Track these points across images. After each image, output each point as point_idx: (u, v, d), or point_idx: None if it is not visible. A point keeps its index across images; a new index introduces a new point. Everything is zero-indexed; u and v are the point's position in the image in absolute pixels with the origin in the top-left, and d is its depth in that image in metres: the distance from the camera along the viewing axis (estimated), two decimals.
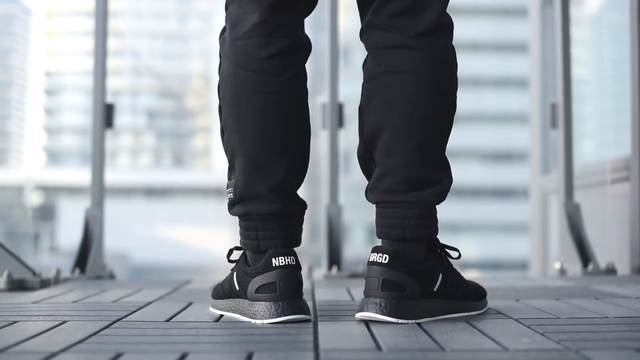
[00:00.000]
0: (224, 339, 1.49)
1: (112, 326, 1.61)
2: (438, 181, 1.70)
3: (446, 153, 1.75)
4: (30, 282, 2.60)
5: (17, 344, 1.39)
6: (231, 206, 1.74)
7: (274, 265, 1.66)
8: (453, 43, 1.76)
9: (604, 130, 5.33)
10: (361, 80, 1.76)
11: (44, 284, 2.63)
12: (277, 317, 1.63)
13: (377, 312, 1.63)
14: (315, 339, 1.44)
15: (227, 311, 1.77)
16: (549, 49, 5.35)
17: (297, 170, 1.73)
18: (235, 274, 1.76)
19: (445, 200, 1.73)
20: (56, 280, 2.74)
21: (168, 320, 1.71)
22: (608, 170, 3.89)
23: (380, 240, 1.73)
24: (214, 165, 47.93)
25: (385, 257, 1.65)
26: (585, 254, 3.39)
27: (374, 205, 1.74)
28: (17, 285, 2.55)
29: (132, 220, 41.46)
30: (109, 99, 3.54)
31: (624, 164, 3.62)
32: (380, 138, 1.69)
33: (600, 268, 3.21)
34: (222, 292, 1.80)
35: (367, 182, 1.76)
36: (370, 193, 1.73)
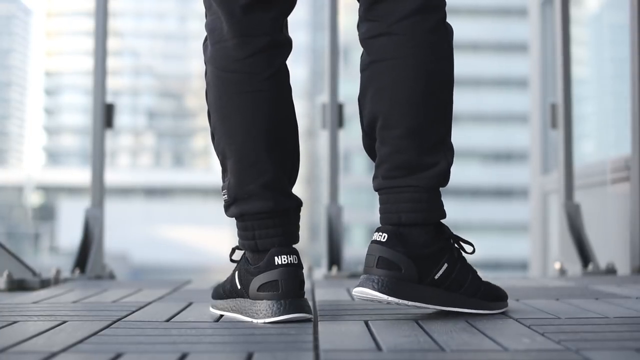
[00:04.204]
0: (224, 339, 1.49)
1: (112, 326, 1.61)
2: (434, 164, 1.68)
3: None
4: (30, 282, 2.60)
5: (17, 344, 1.39)
6: (227, 208, 1.74)
7: (276, 263, 1.66)
8: (454, 43, 1.75)
9: (604, 130, 5.32)
10: None
11: (44, 284, 2.63)
12: (279, 315, 1.63)
13: (371, 289, 1.64)
14: (315, 339, 1.44)
15: (227, 311, 1.77)
16: (549, 49, 5.35)
17: (287, 166, 1.73)
18: (237, 272, 1.76)
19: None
20: (56, 280, 2.74)
21: (168, 320, 1.71)
22: (608, 170, 3.89)
23: None
24: (214, 165, 47.89)
25: (385, 236, 1.67)
26: (585, 254, 3.39)
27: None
28: (17, 285, 2.55)
29: (132, 220, 41.48)
30: (109, 99, 3.54)
31: (624, 164, 3.62)
32: (376, 128, 1.71)
33: (600, 268, 3.21)
34: (223, 292, 1.79)
35: (369, 182, 1.77)
36: (373, 182, 1.75)
